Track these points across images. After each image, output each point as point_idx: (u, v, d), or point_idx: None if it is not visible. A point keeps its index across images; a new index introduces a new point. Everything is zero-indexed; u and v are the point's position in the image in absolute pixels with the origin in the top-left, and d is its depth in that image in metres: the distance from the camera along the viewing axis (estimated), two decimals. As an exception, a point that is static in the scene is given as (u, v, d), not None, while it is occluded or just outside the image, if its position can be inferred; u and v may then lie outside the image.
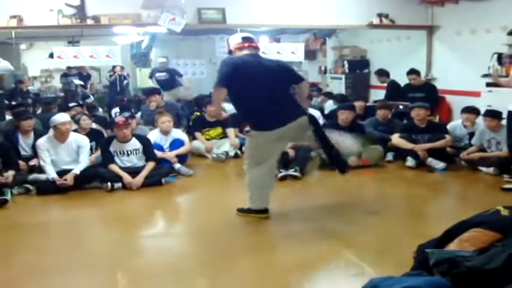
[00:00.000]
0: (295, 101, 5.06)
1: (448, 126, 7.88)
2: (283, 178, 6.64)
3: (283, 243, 4.58)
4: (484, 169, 6.91)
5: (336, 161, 5.18)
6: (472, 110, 7.54)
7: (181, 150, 7.35)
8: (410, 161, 7.35)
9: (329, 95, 11.55)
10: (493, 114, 6.90)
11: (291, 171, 6.73)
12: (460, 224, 3.36)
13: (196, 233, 4.92)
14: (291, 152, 6.98)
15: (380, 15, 9.79)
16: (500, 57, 7.80)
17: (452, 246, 3.19)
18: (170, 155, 7.17)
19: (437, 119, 9.03)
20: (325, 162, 7.23)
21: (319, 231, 4.80)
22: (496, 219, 3.26)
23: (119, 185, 6.35)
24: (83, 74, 14.59)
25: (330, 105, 10.63)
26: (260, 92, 4.81)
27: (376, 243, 4.45)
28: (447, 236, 3.32)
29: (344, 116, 7.58)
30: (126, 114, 7.68)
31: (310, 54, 14.24)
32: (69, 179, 6.21)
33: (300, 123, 4.90)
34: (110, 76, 14.22)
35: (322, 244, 4.48)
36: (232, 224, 5.04)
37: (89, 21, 8.53)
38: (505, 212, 3.29)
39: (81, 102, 9.09)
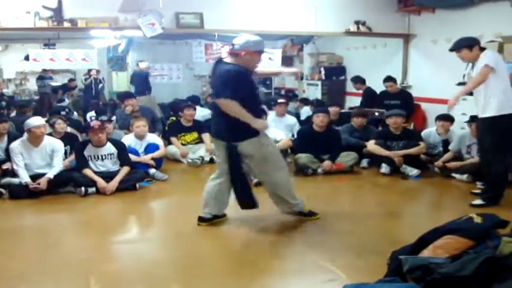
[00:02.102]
0: None
1: (422, 134, 7.96)
2: (258, 184, 6.61)
3: (257, 248, 4.56)
4: (457, 176, 6.99)
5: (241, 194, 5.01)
6: (446, 118, 7.61)
7: (156, 153, 7.33)
8: (384, 168, 7.40)
9: (305, 101, 11.60)
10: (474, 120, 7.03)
11: (266, 177, 6.71)
12: (433, 230, 3.39)
13: (171, 238, 4.89)
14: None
15: (357, 23, 9.87)
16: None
17: (426, 253, 3.23)
18: (146, 158, 7.14)
19: (411, 126, 9.11)
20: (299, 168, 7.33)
21: (294, 236, 4.82)
22: (469, 226, 3.30)
23: (93, 189, 6.30)
24: (71, 86, 14.65)
25: (306, 111, 10.69)
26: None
27: (350, 249, 4.45)
28: (421, 243, 3.36)
29: (319, 119, 7.61)
30: (104, 117, 7.62)
31: (287, 60, 14.32)
32: (42, 183, 6.14)
33: None
34: (86, 80, 14.15)
35: (296, 250, 4.49)
36: (206, 229, 5.02)
37: (66, 24, 8.46)
38: (477, 220, 3.33)
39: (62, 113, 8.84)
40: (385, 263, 3.56)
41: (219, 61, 4.91)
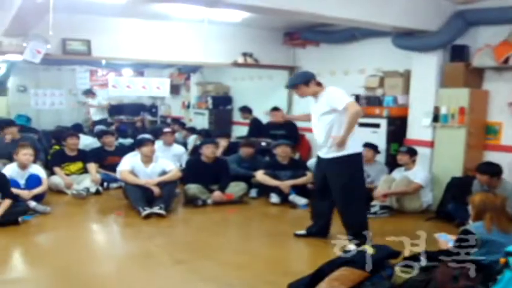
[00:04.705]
0: None
1: (308, 163, 8.15)
2: (147, 216, 6.48)
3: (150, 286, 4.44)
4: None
5: None
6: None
7: (38, 190, 6.88)
8: (274, 198, 7.50)
9: (192, 130, 11.57)
10: (370, 146, 7.42)
11: (155, 209, 6.58)
12: (330, 262, 3.45)
13: (56, 276, 4.61)
14: (156, 189, 6.85)
15: (245, 55, 10.01)
16: (357, 99, 8.21)
17: (323, 286, 3.26)
18: (25, 193, 6.66)
19: (297, 156, 9.30)
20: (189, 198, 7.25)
21: (189, 271, 4.73)
22: (363, 257, 3.38)
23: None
24: None
25: (193, 141, 10.62)
26: None
27: (246, 282, 4.43)
28: (318, 275, 3.39)
29: (209, 151, 7.61)
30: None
31: (173, 89, 14.28)
32: None
33: None
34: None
35: (193, 284, 4.41)
36: (94, 264, 4.84)
37: None
38: (371, 251, 3.43)
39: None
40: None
41: None
